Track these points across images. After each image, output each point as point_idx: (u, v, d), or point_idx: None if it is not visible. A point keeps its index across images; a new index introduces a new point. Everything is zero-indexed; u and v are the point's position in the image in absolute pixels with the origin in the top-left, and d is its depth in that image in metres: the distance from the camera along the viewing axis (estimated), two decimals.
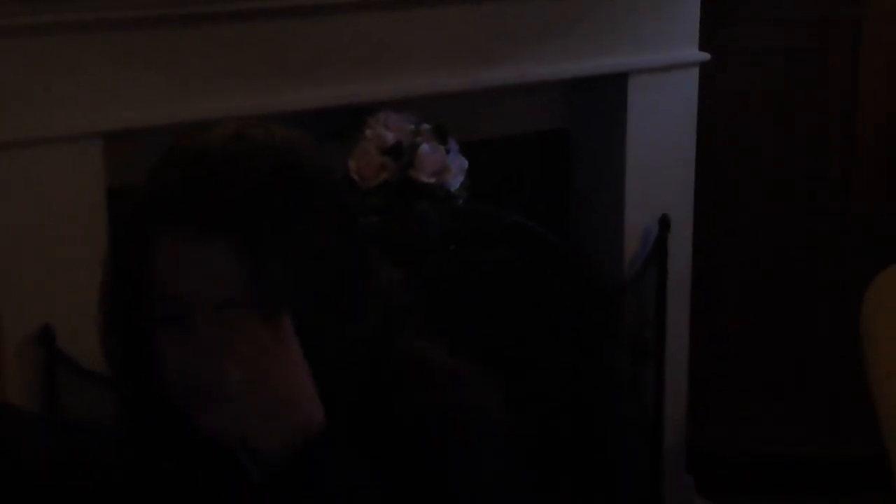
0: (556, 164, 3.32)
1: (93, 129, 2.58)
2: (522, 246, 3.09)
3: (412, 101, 2.93)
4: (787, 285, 3.65)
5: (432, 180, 2.87)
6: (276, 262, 1.33)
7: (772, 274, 3.65)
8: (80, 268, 2.59)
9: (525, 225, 3.07)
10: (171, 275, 1.35)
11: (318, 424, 1.37)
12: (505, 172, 3.22)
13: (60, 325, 2.57)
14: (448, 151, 2.90)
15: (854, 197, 3.56)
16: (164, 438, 1.45)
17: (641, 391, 3.31)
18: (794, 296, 3.65)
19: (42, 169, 2.55)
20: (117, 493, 1.50)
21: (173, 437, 1.44)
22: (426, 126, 2.90)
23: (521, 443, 1.46)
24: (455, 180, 2.91)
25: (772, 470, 3.67)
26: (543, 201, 3.29)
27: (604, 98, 3.24)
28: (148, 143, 2.63)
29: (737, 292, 3.67)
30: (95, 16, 2.55)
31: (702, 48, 3.28)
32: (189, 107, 2.66)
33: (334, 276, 1.37)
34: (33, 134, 2.53)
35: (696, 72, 3.28)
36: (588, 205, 3.32)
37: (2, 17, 2.46)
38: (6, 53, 2.49)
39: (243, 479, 1.43)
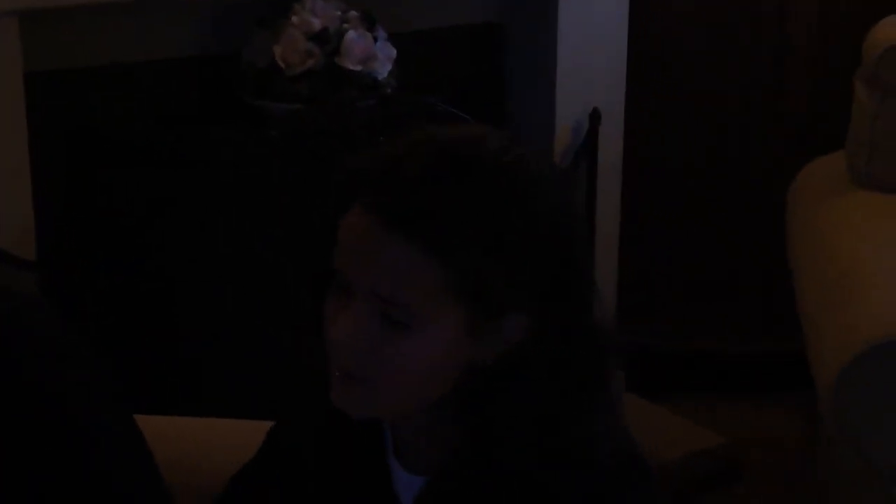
0: (488, 58, 3.31)
1: (9, 7, 2.53)
2: None
3: None
4: (719, 183, 3.66)
5: (359, 68, 2.85)
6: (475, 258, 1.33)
7: (704, 171, 3.66)
8: None
9: (455, 113, 3.06)
10: (347, 250, 1.34)
11: None
12: (437, 65, 3.21)
13: None
14: (376, 39, 2.88)
15: (786, 94, 3.57)
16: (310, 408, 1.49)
17: None
18: (727, 194, 3.66)
19: None
20: None
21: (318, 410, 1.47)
22: (354, 13, 2.88)
23: None
24: (383, 68, 2.89)
25: (702, 367, 3.70)
26: (475, 94, 3.27)
27: None
28: (67, 27, 2.66)
29: (669, 188, 3.68)
30: None
31: None
32: None
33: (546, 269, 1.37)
34: None
35: None
36: (520, 98, 3.31)
37: None
38: None
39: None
